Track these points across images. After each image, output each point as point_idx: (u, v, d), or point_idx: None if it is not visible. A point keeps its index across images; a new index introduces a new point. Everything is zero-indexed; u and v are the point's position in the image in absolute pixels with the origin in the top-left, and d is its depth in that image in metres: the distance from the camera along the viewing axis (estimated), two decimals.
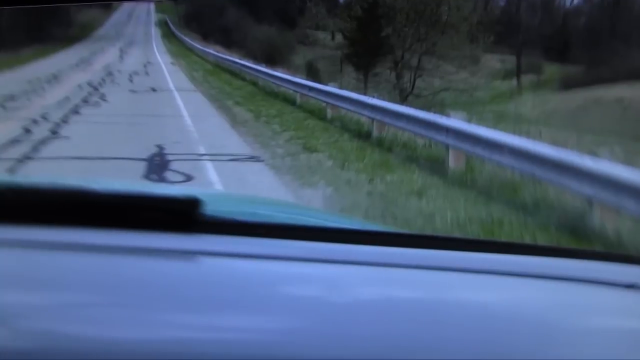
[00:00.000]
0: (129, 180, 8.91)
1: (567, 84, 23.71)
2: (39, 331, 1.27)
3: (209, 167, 11.25)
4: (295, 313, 1.38)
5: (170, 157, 11.85)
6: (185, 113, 18.18)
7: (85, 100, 20.82)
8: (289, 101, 20.96)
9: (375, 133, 14.07)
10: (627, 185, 7.12)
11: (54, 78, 28.18)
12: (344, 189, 9.97)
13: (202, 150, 12.65)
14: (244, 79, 28.74)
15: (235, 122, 16.95)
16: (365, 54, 32.08)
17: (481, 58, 32.16)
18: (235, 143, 13.88)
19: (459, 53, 31.14)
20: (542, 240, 7.29)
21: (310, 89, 19.16)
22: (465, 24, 30.70)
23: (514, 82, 29.55)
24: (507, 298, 1.53)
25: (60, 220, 1.58)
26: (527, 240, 7.31)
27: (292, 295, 1.46)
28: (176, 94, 23.30)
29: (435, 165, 11.08)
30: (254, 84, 26.62)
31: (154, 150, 12.33)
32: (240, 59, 32.75)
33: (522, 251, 1.83)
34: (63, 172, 10.51)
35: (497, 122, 15.38)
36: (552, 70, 27.87)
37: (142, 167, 11.09)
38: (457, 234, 7.73)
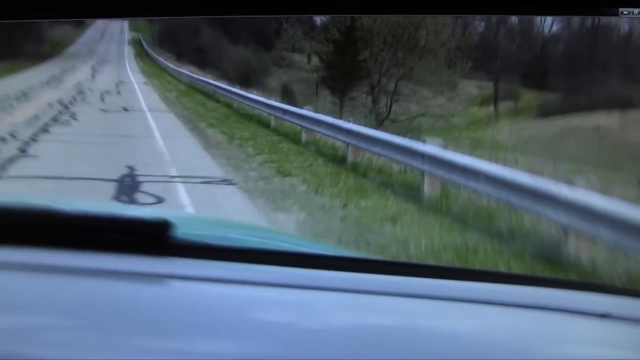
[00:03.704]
0: (98, 201, 8.83)
1: (545, 112, 23.92)
2: (4, 355, 1.21)
3: (181, 189, 11.18)
4: (266, 339, 1.34)
5: (141, 179, 11.78)
6: (157, 134, 18.10)
7: (55, 119, 20.69)
8: (263, 124, 20.95)
9: (350, 158, 14.03)
10: (602, 214, 7.11)
11: (24, 95, 28.01)
12: (317, 214, 9.93)
13: (173, 172, 12.56)
14: (217, 101, 28.74)
15: (208, 144, 16.90)
16: (342, 77, 32.16)
17: (459, 84, 32.34)
18: (207, 165, 13.82)
19: (437, 78, 31.29)
20: (517, 269, 7.25)
21: (285, 112, 19.15)
22: (443, 49, 30.88)
23: (491, 108, 29.74)
24: (481, 326, 1.49)
25: (27, 241, 1.54)
26: (502, 268, 7.27)
27: (264, 320, 1.42)
28: (148, 115, 23.23)
29: (411, 191, 11.06)
30: (228, 105, 26.61)
31: (125, 171, 12.25)
32: (214, 80, 32.75)
33: (496, 279, 1.81)
34: (31, 192, 10.40)
35: (474, 148, 15.43)
36: (529, 97, 28.10)
37: (112, 188, 11.01)
38: (431, 261, 7.68)
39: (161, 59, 55.23)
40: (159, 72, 48.88)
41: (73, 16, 1.60)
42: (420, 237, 8.44)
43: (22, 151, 14.30)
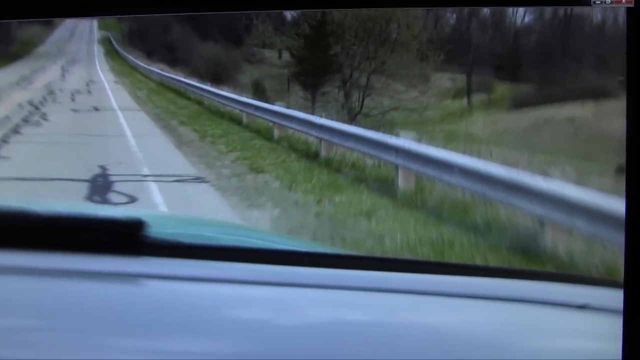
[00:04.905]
0: (71, 202, 8.82)
1: (518, 103, 23.98)
2: None
3: (154, 188, 11.17)
4: (242, 336, 1.34)
5: (113, 178, 11.75)
6: (128, 133, 18.04)
7: (25, 120, 20.59)
8: (235, 121, 20.94)
9: (323, 153, 14.02)
10: (578, 205, 7.15)
11: None
12: (291, 210, 9.94)
13: (146, 171, 12.53)
14: (188, 98, 28.68)
15: (180, 142, 16.88)
16: (313, 72, 32.11)
17: (431, 77, 32.27)
18: (180, 163, 13.79)
19: (409, 72, 31.25)
20: (493, 262, 7.29)
21: (257, 108, 19.16)
22: (415, 42, 30.86)
23: (465, 101, 29.74)
24: (459, 320, 1.50)
25: (0, 244, 1.54)
26: (479, 261, 7.31)
27: (239, 318, 1.42)
28: (119, 114, 23.18)
29: (385, 186, 11.08)
30: (199, 103, 26.58)
31: (97, 171, 12.22)
32: (185, 78, 32.74)
33: (473, 273, 1.81)
34: (3, 194, 10.37)
35: (448, 141, 15.49)
36: (503, 89, 28.13)
37: (84, 188, 10.97)
38: (407, 255, 7.70)
39: (131, 58, 55.05)
40: (129, 71, 48.76)
41: (42, 16, 1.59)
42: (396, 232, 8.46)
43: None
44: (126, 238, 1.59)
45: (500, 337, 1.44)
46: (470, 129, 22.32)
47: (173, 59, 43.64)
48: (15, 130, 17.94)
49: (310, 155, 14.35)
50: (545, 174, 8.01)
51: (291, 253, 2.04)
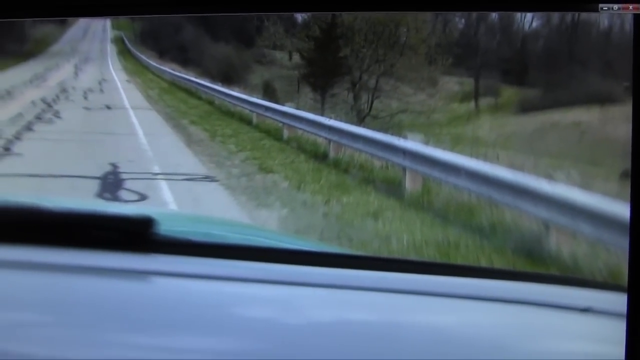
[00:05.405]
0: (82, 199, 8.82)
1: (525, 107, 23.80)
2: None
3: (164, 186, 11.15)
4: (248, 334, 1.34)
5: (124, 176, 11.74)
6: (140, 131, 17.99)
7: (38, 117, 20.55)
8: (245, 121, 20.83)
9: (331, 154, 14.00)
10: (583, 209, 7.11)
11: (8, 94, 27.80)
12: (299, 210, 9.91)
13: (156, 169, 12.52)
14: (199, 98, 28.50)
15: (190, 141, 16.83)
16: (323, 74, 31.87)
17: (439, 80, 31.99)
18: (190, 162, 13.77)
19: (417, 75, 30.99)
20: (498, 264, 7.25)
21: (267, 108, 19.05)
22: (424, 46, 30.61)
23: (472, 104, 29.49)
24: (463, 321, 1.50)
25: (11, 238, 1.54)
26: (484, 263, 7.27)
27: (246, 316, 1.42)
28: (131, 112, 23.05)
29: (392, 187, 11.05)
30: (210, 103, 26.42)
31: (108, 168, 12.20)
32: (196, 78, 32.53)
33: (478, 274, 1.81)
34: (15, 190, 10.37)
35: (455, 144, 15.41)
36: (510, 93, 27.89)
37: (95, 185, 10.97)
38: (413, 256, 7.67)
39: (143, 57, 54.60)
40: (141, 70, 48.34)
41: (56, 15, 1.58)
42: (402, 233, 8.43)
43: (6, 149, 14.23)
44: (136, 235, 1.60)
45: (504, 339, 1.44)
46: (477, 132, 22.14)
47: (185, 59, 43.36)
48: (28, 128, 17.92)
49: (319, 156, 14.32)
50: (550, 177, 7.98)
51: (298, 252, 2.04)
